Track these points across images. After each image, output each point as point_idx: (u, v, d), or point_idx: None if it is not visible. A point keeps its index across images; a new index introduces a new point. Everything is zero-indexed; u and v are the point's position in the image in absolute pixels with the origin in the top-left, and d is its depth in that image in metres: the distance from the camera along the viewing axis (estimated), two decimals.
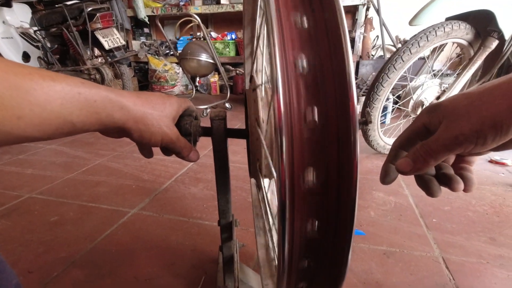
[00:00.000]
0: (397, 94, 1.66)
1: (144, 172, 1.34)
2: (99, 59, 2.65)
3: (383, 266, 0.76)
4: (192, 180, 1.26)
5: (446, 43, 1.32)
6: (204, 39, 2.27)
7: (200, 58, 2.27)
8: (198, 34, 2.49)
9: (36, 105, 0.26)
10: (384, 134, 1.50)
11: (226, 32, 3.23)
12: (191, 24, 2.36)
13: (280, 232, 0.23)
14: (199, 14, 2.11)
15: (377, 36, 2.98)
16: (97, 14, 2.23)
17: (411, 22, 1.30)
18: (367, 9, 2.90)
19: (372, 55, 3.08)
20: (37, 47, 2.72)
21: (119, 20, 2.51)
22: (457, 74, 1.38)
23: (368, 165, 1.40)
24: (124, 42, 2.48)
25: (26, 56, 2.83)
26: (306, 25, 0.23)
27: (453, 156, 0.33)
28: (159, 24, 2.25)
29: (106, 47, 2.31)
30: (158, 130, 0.36)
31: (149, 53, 3.37)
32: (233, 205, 1.05)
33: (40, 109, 0.26)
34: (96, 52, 2.57)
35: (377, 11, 2.59)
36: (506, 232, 0.89)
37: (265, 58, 0.50)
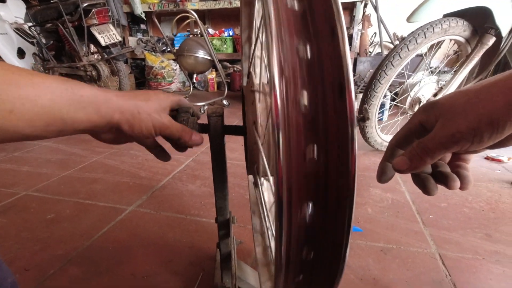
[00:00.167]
0: (394, 91, 1.67)
1: (141, 169, 1.34)
2: (95, 56, 2.62)
3: (380, 263, 0.77)
4: (190, 177, 1.25)
5: (444, 40, 1.32)
6: (201, 35, 2.26)
7: (197, 55, 2.26)
8: (195, 30, 2.47)
9: (27, 99, 0.26)
10: (381, 131, 1.50)
11: (223, 29, 3.21)
12: (188, 21, 2.34)
13: (277, 230, 0.23)
14: (196, 10, 2.09)
15: (375, 33, 2.97)
16: (93, 10, 2.20)
17: (408, 19, 1.30)
18: (365, 5, 2.90)
19: (370, 52, 3.08)
20: (32, 43, 2.69)
21: (115, 16, 2.49)
22: (454, 71, 1.38)
23: (365, 162, 1.40)
24: (120, 39, 2.46)
25: (21, 52, 2.80)
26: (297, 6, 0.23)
27: (449, 154, 0.33)
28: (156, 20, 2.24)
29: (102, 43, 2.29)
30: (147, 117, 0.35)
31: (145, 50, 3.35)
32: (231, 202, 1.05)
33: (31, 104, 0.27)
34: (92, 48, 2.55)
35: (375, 8, 2.58)
36: (501, 229, 0.90)
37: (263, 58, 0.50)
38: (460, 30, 1.27)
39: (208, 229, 0.91)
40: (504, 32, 1.21)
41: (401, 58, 1.24)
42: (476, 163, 1.37)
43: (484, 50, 1.28)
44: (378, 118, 1.44)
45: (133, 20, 3.54)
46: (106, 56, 2.42)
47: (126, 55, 2.96)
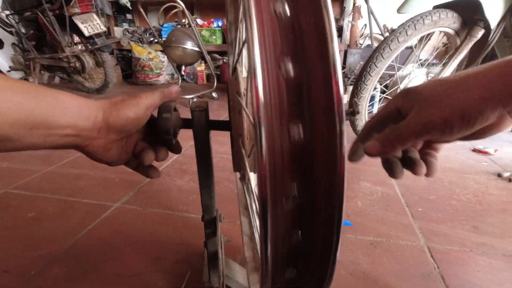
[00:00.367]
0: (384, 84, 1.66)
1: None
2: (79, 46, 2.53)
3: (370, 256, 0.77)
4: (178, 172, 1.23)
5: (434, 32, 1.32)
6: (189, 26, 2.19)
7: (186, 46, 2.19)
8: (183, 21, 2.40)
9: (11, 102, 0.25)
10: None
11: (212, 19, 3.14)
12: (175, 10, 2.27)
13: (262, 231, 0.21)
14: (183, 0, 2.02)
15: (365, 25, 2.96)
16: None
17: (399, 10, 1.29)
18: None
19: (360, 44, 3.07)
20: (10, 32, 2.57)
21: (98, 5, 2.39)
22: (444, 64, 1.39)
23: None
24: (105, 29, 2.38)
25: None
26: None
27: (421, 141, 0.33)
28: (142, 10, 2.16)
29: (86, 33, 2.21)
30: (133, 102, 0.33)
31: (132, 40, 3.25)
32: (220, 197, 1.03)
33: (17, 107, 0.25)
34: (76, 39, 2.46)
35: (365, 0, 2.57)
36: (488, 220, 0.91)
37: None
38: (450, 22, 1.26)
39: (197, 225, 0.89)
40: (493, 25, 1.22)
41: (391, 50, 1.23)
42: (463, 156, 1.38)
43: (473, 42, 1.28)
44: (368, 111, 1.44)
45: (119, 10, 3.42)
46: (90, 47, 2.34)
47: (112, 46, 2.87)
